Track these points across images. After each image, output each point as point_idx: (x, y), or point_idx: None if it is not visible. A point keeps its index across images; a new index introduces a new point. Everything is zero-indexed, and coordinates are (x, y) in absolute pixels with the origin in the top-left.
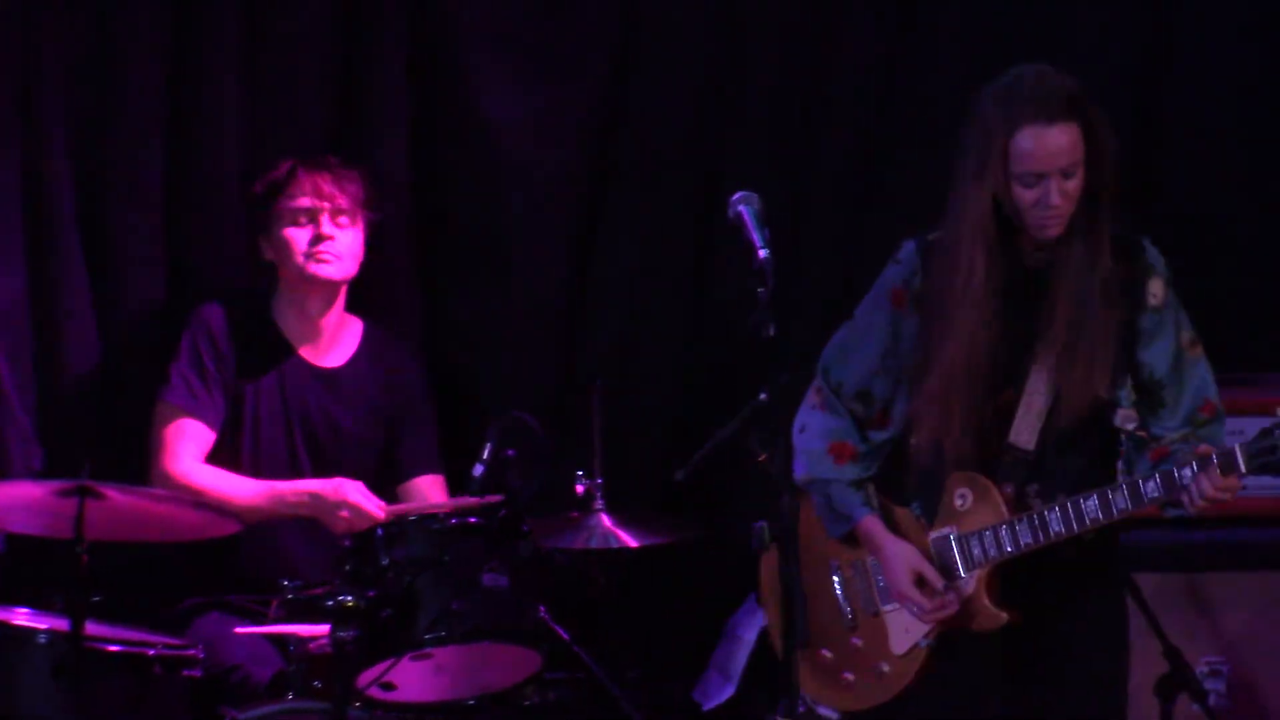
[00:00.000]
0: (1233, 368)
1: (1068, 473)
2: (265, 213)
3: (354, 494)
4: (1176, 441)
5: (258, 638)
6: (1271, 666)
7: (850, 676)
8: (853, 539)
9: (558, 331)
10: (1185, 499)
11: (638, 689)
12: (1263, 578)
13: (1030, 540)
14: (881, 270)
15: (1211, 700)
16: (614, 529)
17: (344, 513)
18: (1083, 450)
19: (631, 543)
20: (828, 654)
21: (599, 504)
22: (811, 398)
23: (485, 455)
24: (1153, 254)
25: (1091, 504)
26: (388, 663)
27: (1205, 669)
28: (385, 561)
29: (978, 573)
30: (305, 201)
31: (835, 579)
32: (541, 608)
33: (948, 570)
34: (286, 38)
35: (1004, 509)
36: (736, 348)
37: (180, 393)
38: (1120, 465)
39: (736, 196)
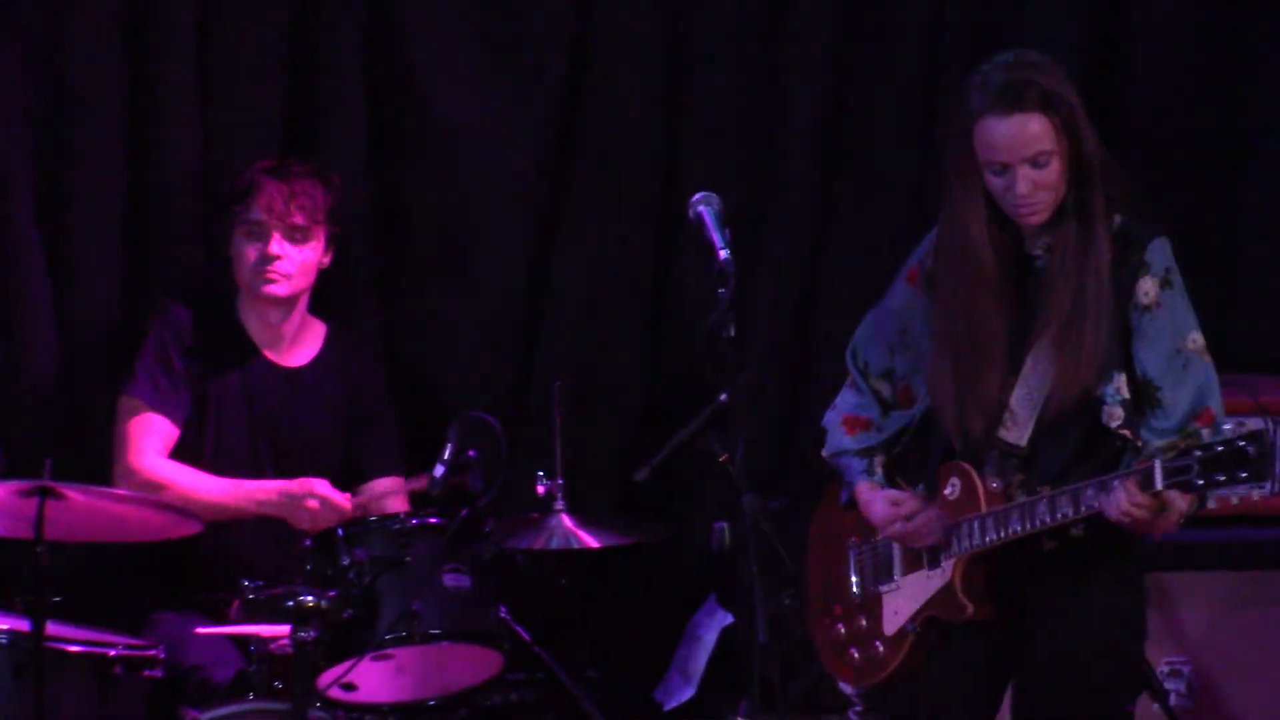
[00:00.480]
0: None
1: (1052, 467)
2: (228, 217)
3: (321, 487)
4: (1164, 449)
5: (219, 638)
6: (1232, 666)
7: (855, 654)
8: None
9: (518, 331)
10: (1108, 511)
11: (599, 689)
12: (1224, 577)
13: (994, 536)
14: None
15: (1172, 700)
16: (575, 530)
17: (312, 503)
18: (1068, 445)
19: (592, 543)
20: (841, 630)
21: (560, 505)
22: (846, 380)
23: (446, 456)
24: (1154, 252)
25: (1042, 506)
26: (349, 663)
27: (1166, 669)
28: (346, 561)
29: (952, 562)
30: (258, 216)
31: (851, 556)
32: (503, 608)
33: (935, 556)
34: (242, 42)
35: (982, 502)
36: (697, 348)
37: (145, 388)
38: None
39: (697, 197)
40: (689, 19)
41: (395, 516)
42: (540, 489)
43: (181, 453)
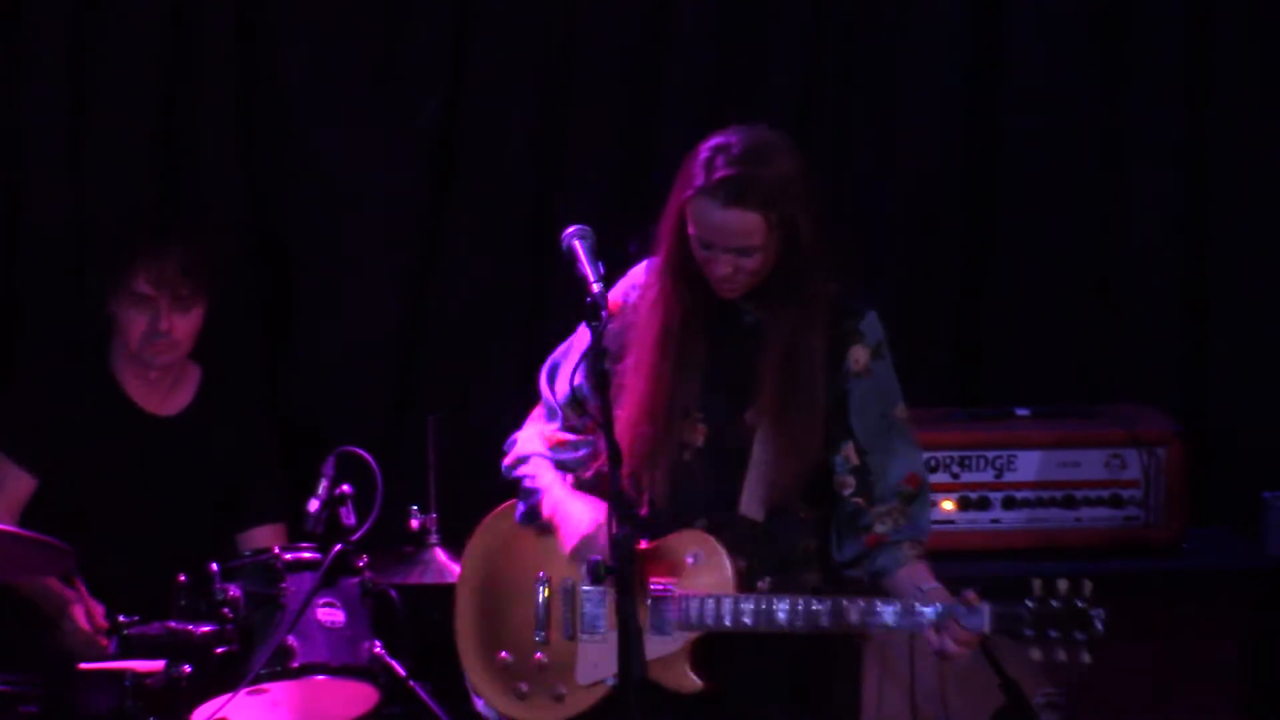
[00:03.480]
0: (1070, 399)
1: (788, 544)
2: (111, 280)
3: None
4: (884, 516)
5: (94, 674)
6: (1107, 697)
7: (524, 688)
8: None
9: (395, 365)
10: (930, 644)
11: None
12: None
13: (750, 624)
14: None
15: None
16: (449, 564)
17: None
18: (804, 520)
19: None
20: (507, 657)
21: (434, 538)
22: (535, 410)
23: (320, 491)
24: (869, 323)
25: (824, 610)
26: (224, 698)
27: (1042, 700)
28: (220, 596)
29: (689, 635)
30: (145, 288)
31: (540, 590)
32: (378, 642)
33: (661, 621)
34: (115, 79)
35: (732, 581)
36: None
37: (5, 437)
38: (831, 534)
39: (569, 231)
40: (566, 50)
41: (268, 550)
42: (414, 523)
43: (49, 504)
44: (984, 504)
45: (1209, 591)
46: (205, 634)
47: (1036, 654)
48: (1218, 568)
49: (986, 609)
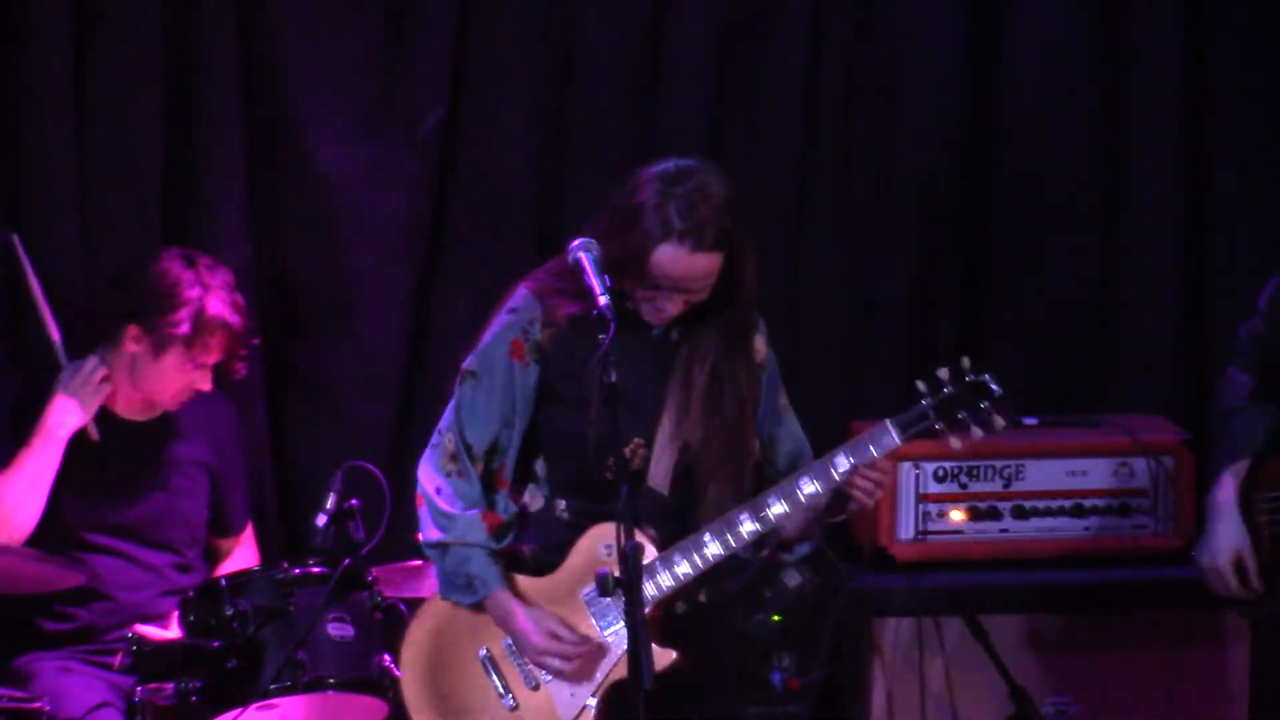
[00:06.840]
0: (1073, 409)
1: (689, 515)
2: (159, 335)
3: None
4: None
5: (103, 688)
6: (1116, 706)
7: None
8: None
9: (399, 380)
10: (855, 491)
11: None
12: (1107, 619)
13: (690, 570)
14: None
15: None
16: None
17: None
18: (726, 492)
19: None
20: None
21: None
22: (445, 463)
23: (328, 505)
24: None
25: (745, 516)
26: (233, 713)
27: (1051, 710)
28: (230, 611)
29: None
30: (214, 358)
31: (486, 665)
32: (387, 656)
33: (606, 618)
34: (118, 99)
35: (653, 548)
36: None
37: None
38: None
39: (576, 243)
40: (566, 65)
41: (279, 566)
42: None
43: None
44: (993, 514)
45: (1216, 599)
46: (215, 649)
47: (955, 443)
48: None
49: (889, 424)
